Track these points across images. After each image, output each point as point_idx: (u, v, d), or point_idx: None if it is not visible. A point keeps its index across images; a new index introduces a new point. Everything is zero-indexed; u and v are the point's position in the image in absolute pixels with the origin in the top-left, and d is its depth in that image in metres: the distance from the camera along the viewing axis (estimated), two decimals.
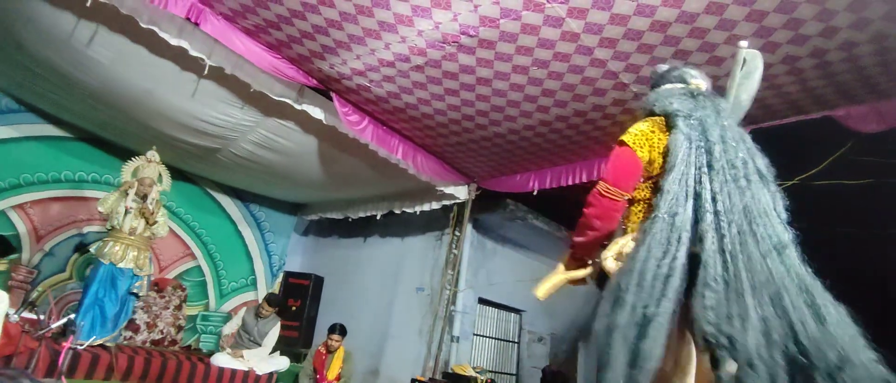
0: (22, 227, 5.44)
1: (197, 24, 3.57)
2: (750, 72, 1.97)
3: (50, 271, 5.59)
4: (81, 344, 4.09)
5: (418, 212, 6.37)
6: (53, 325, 4.02)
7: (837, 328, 1.33)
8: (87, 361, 4.10)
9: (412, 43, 3.63)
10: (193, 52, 3.68)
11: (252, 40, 3.89)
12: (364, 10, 3.38)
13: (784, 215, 1.58)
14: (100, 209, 4.62)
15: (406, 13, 3.35)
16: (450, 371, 5.78)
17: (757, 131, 4.01)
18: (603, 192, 1.80)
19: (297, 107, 4.36)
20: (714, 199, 1.55)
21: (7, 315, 3.66)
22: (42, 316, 4.27)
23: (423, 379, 5.63)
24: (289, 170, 5.97)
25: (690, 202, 1.57)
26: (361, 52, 3.84)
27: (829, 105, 3.75)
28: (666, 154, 1.72)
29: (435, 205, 6.22)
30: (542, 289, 2.16)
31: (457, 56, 3.73)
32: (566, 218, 7.11)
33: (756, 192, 1.57)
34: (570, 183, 5.26)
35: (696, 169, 1.62)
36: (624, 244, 1.71)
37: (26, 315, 4.35)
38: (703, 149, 1.66)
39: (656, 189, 1.69)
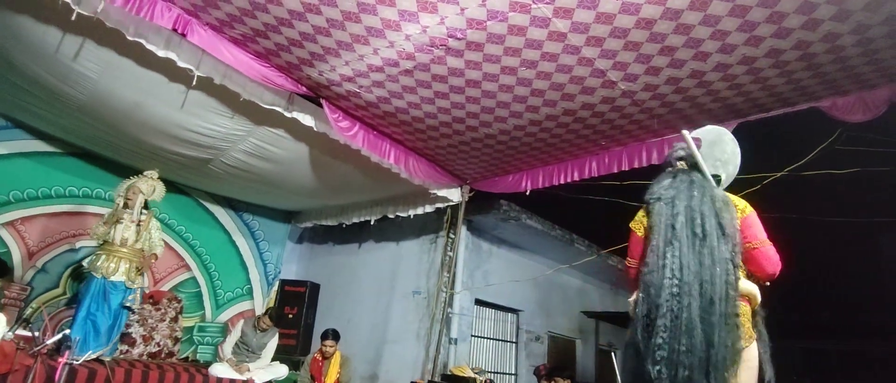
0: (14, 245, 5.39)
1: (184, 36, 3.56)
2: (713, 142, 2.51)
3: (43, 287, 5.54)
4: (77, 360, 4.06)
5: (412, 216, 6.37)
6: (48, 342, 3.99)
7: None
8: (83, 376, 4.07)
9: (400, 47, 3.64)
10: (181, 64, 3.67)
11: (240, 50, 3.89)
12: (351, 16, 3.39)
13: (736, 260, 2.14)
14: (93, 232, 4.64)
15: (393, 18, 3.36)
16: (448, 373, 5.79)
17: (744, 125, 4.09)
18: (626, 262, 2.59)
19: (288, 115, 4.35)
20: (672, 271, 2.13)
21: (3, 334, 3.64)
22: (37, 333, 4.23)
23: (422, 382, 5.64)
24: (281, 178, 5.96)
25: (659, 271, 2.17)
26: (350, 58, 3.85)
27: (815, 96, 3.80)
28: (646, 235, 2.37)
29: (428, 209, 6.23)
30: None
31: (445, 59, 3.74)
32: (560, 217, 7.15)
33: (712, 248, 2.12)
34: (562, 182, 5.29)
35: (663, 242, 2.21)
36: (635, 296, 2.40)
37: (21, 332, 4.31)
38: (669, 224, 2.23)
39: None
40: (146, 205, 4.83)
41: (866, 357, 11.45)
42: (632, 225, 2.53)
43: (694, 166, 2.40)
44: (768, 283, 2.32)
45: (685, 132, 2.45)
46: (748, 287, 2.25)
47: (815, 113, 3.88)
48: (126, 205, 4.69)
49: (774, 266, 2.25)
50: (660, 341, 2.06)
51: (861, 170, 4.06)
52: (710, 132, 2.55)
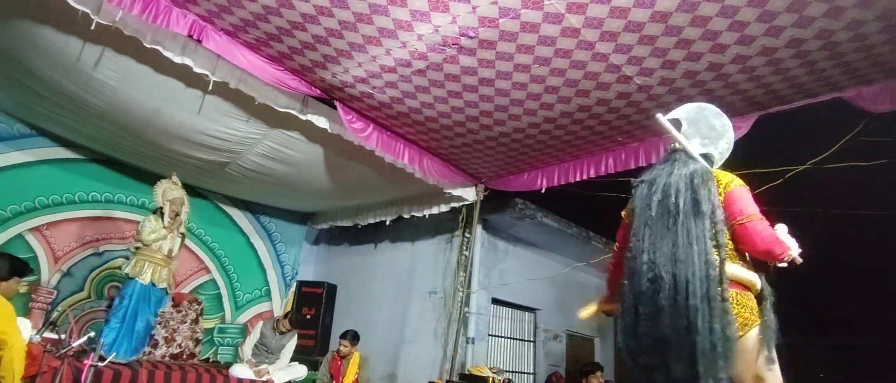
0: (39, 249, 5.52)
1: (199, 41, 3.61)
2: (695, 119, 2.35)
3: (69, 291, 5.67)
4: (103, 359, 4.14)
5: (427, 216, 6.37)
6: (74, 344, 4.07)
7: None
8: (109, 377, 4.15)
9: (413, 47, 3.63)
10: (197, 69, 3.72)
11: (254, 54, 3.92)
12: (363, 17, 3.39)
13: (721, 239, 2.01)
14: (144, 239, 4.65)
15: (405, 18, 3.36)
16: (466, 372, 5.77)
17: (766, 117, 4.00)
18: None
19: (302, 117, 4.38)
20: (648, 255, 2.04)
21: (30, 336, 3.73)
22: (63, 336, 4.32)
23: (440, 381, 5.63)
24: (297, 180, 6.00)
25: (638, 255, 2.08)
26: (363, 60, 3.86)
27: (839, 86, 3.70)
28: (630, 218, 2.31)
29: (444, 208, 6.22)
30: (585, 313, 2.73)
31: (458, 58, 3.73)
32: (576, 214, 7.08)
33: (687, 227, 2.00)
34: (578, 179, 5.23)
35: (642, 225, 2.13)
36: None
37: (48, 335, 4.41)
38: (646, 205, 2.16)
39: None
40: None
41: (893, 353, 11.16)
42: (622, 212, 2.51)
43: (683, 149, 2.27)
44: (778, 265, 2.08)
45: (658, 115, 2.29)
46: (740, 273, 2.07)
47: (838, 104, 3.78)
48: (175, 215, 4.83)
49: (767, 243, 2.02)
50: (642, 330, 1.97)
51: (889, 162, 3.94)
52: (688, 110, 2.39)
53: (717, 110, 2.38)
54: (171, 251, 4.79)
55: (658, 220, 2.07)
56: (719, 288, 1.91)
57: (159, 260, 4.72)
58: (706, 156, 2.28)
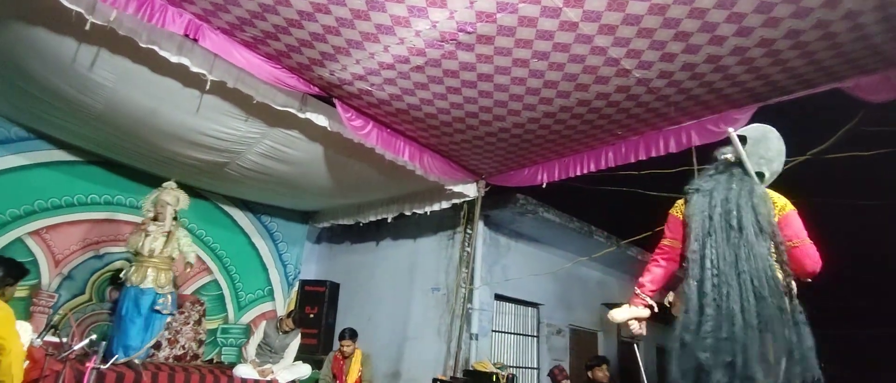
0: (40, 253, 5.52)
1: (196, 41, 3.59)
2: (759, 139, 2.48)
3: (70, 294, 5.67)
4: (106, 363, 4.14)
5: (428, 213, 6.36)
6: (76, 347, 4.08)
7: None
8: (111, 380, 4.16)
9: (411, 44, 3.62)
10: (194, 68, 3.70)
11: (252, 52, 3.90)
12: (360, 14, 3.38)
13: (783, 257, 2.18)
14: (128, 248, 5.03)
15: (402, 14, 3.35)
16: (470, 368, 5.78)
17: (765, 108, 3.98)
18: (661, 243, 2.63)
19: (301, 115, 4.37)
20: (711, 261, 2.20)
21: (31, 340, 3.73)
22: (65, 339, 4.33)
23: (444, 378, 5.63)
24: (297, 179, 5.99)
25: (698, 262, 2.24)
26: (361, 57, 3.85)
27: (838, 76, 3.69)
28: (685, 223, 2.43)
29: (445, 205, 6.21)
30: (617, 316, 2.77)
31: (456, 54, 3.72)
32: (578, 209, 7.08)
33: (750, 242, 2.15)
34: (578, 173, 5.23)
35: (703, 233, 2.27)
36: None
37: (49, 338, 4.41)
38: (707, 215, 2.30)
39: (683, 256, 2.41)
40: (175, 216, 5.15)
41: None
42: (671, 211, 2.61)
43: (738, 162, 2.43)
44: (809, 280, 2.32)
45: (730, 130, 2.48)
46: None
47: (836, 95, 3.77)
48: (156, 218, 5.04)
49: (815, 264, 2.26)
50: (708, 328, 2.11)
51: (889, 151, 3.93)
52: (756, 129, 2.55)
53: (779, 136, 2.54)
54: (152, 251, 4.89)
55: (720, 231, 2.24)
56: (786, 301, 2.11)
57: (152, 262, 4.87)
58: (760, 174, 2.45)
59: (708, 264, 2.20)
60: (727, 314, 2.07)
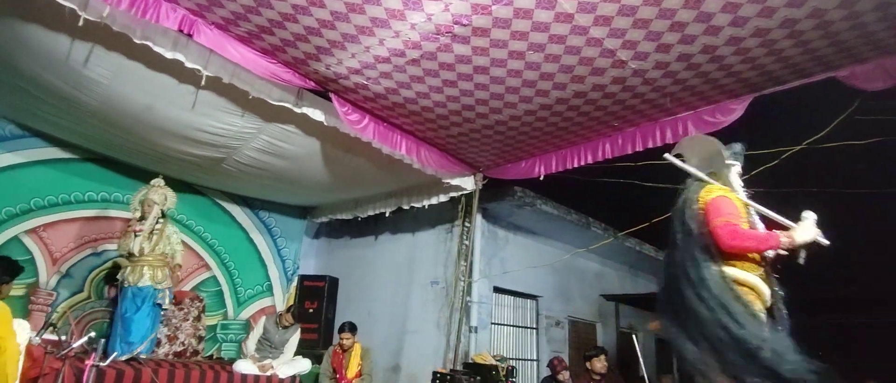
0: (37, 251, 5.50)
1: (190, 36, 3.57)
2: (692, 150, 2.85)
3: (69, 292, 5.66)
4: (105, 360, 4.15)
5: (427, 206, 6.36)
6: (75, 344, 4.07)
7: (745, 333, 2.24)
8: (111, 377, 4.15)
9: (406, 37, 3.61)
10: (189, 64, 3.68)
11: (246, 47, 3.89)
12: (355, 7, 3.37)
13: (711, 250, 2.46)
14: (119, 251, 5.08)
15: (397, 7, 3.33)
16: (470, 361, 5.80)
17: (761, 99, 3.99)
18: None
19: (297, 110, 4.36)
20: (667, 256, 2.70)
21: (29, 338, 3.73)
22: (63, 337, 4.33)
23: (444, 371, 5.65)
24: (295, 174, 5.98)
25: (667, 259, 2.75)
26: (356, 51, 3.83)
27: (833, 65, 3.69)
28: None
29: (443, 198, 6.21)
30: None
31: (452, 46, 3.71)
32: (575, 201, 7.09)
33: (681, 247, 2.54)
34: (575, 165, 5.23)
35: (671, 239, 2.67)
36: None
37: (48, 336, 4.41)
38: (673, 220, 2.69)
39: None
40: (163, 214, 5.14)
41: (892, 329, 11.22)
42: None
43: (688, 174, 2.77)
44: (790, 259, 2.45)
45: (668, 156, 2.85)
46: (738, 275, 2.42)
47: (831, 85, 3.77)
48: (143, 217, 5.04)
49: (725, 242, 2.41)
50: (674, 309, 2.52)
51: (883, 140, 3.95)
52: (682, 146, 2.94)
53: (706, 136, 2.95)
54: (142, 250, 4.91)
55: (674, 236, 2.62)
56: (723, 290, 2.35)
57: (146, 261, 4.93)
58: (713, 174, 2.71)
59: (666, 262, 2.68)
60: (691, 316, 2.39)
